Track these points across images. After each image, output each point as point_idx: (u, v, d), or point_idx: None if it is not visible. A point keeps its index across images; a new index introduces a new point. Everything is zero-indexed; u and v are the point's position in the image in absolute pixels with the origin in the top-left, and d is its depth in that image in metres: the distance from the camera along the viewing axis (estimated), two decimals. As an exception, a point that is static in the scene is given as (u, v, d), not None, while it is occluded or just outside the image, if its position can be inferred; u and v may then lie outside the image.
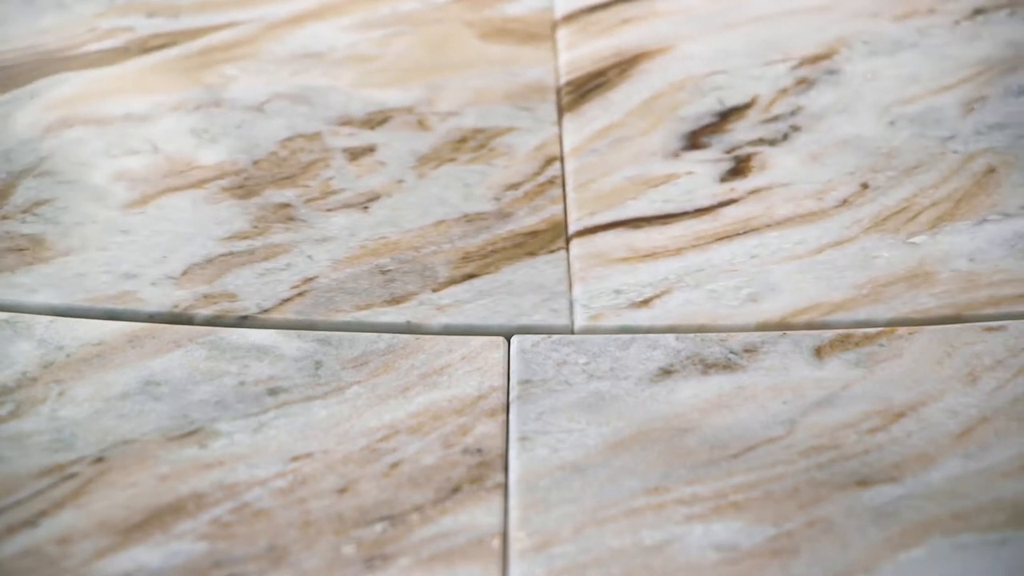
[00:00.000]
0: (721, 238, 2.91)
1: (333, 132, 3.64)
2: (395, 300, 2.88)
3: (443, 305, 2.81)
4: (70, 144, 3.86)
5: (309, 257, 3.36)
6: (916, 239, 2.79)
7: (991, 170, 2.98)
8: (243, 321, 2.92)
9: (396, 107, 3.77)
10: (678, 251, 2.89)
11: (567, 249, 2.97)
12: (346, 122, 3.73)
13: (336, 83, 4.00)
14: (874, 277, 2.67)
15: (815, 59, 3.67)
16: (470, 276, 2.92)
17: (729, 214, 2.98)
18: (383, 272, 3.02)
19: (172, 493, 2.12)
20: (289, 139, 3.80)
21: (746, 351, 2.44)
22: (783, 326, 2.51)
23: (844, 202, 2.97)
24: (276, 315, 2.89)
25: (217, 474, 2.15)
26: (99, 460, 2.22)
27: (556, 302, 2.78)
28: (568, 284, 2.84)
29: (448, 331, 2.70)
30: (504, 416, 2.29)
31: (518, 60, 3.81)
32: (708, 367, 2.35)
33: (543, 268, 2.93)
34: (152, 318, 2.81)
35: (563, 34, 4.05)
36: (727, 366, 2.38)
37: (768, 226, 2.91)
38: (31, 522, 2.04)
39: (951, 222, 2.83)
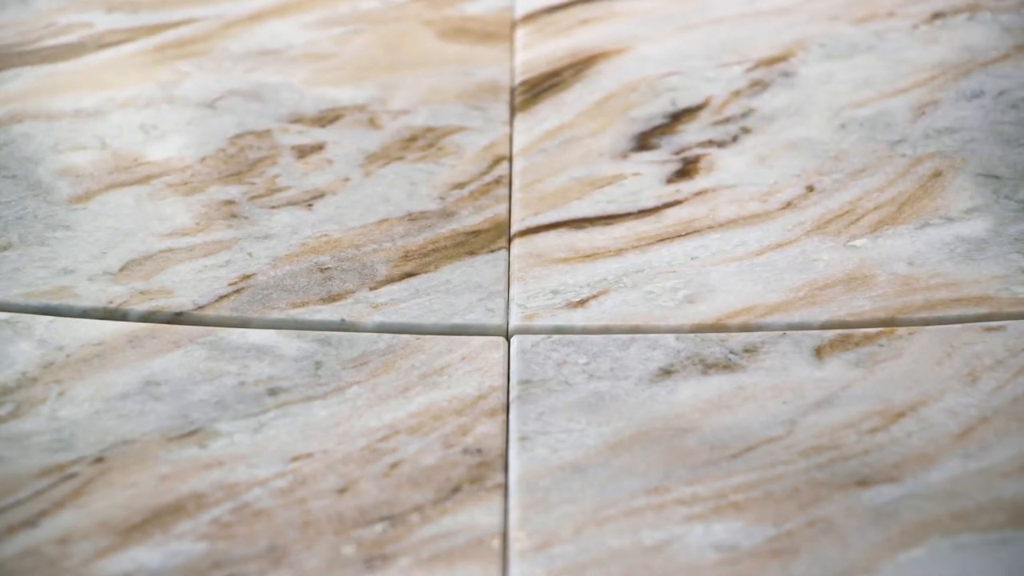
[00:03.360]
0: (663, 239, 2.89)
1: (283, 129, 3.61)
2: (331, 298, 2.85)
3: (379, 303, 2.79)
4: (17, 139, 3.84)
5: (249, 254, 3.34)
6: (857, 242, 2.77)
7: (937, 174, 2.96)
8: (177, 318, 2.90)
9: (348, 105, 3.75)
10: (619, 252, 2.87)
11: (508, 249, 2.95)
12: (297, 119, 3.70)
13: (290, 80, 3.97)
14: (812, 280, 2.64)
15: (771, 61, 3.65)
16: (409, 275, 2.90)
17: (672, 215, 2.96)
18: (322, 270, 2.99)
19: (172, 493, 2.09)
20: (238, 136, 3.78)
21: (746, 351, 2.42)
22: (717, 328, 2.49)
23: (788, 204, 2.95)
24: (210, 312, 2.87)
25: (217, 474, 2.14)
26: (99, 460, 2.20)
27: (492, 301, 2.75)
28: (506, 284, 2.82)
29: (382, 329, 2.66)
30: (504, 416, 2.27)
31: (474, 59, 3.78)
32: (708, 367, 2.33)
33: (482, 268, 2.91)
34: (86, 313, 2.78)
35: (521, 34, 4.03)
36: (727, 366, 2.36)
37: (710, 228, 2.88)
38: (31, 522, 2.02)
39: (893, 225, 2.81)
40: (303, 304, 2.90)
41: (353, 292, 3.11)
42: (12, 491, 2.10)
